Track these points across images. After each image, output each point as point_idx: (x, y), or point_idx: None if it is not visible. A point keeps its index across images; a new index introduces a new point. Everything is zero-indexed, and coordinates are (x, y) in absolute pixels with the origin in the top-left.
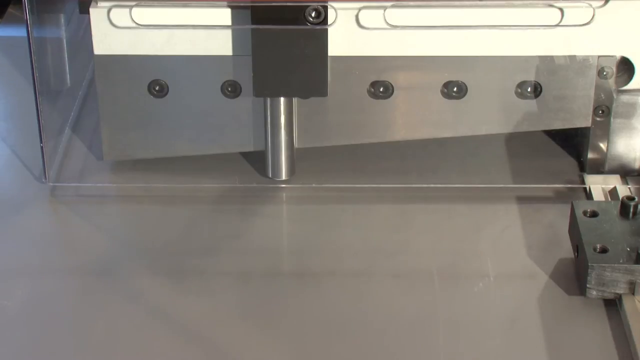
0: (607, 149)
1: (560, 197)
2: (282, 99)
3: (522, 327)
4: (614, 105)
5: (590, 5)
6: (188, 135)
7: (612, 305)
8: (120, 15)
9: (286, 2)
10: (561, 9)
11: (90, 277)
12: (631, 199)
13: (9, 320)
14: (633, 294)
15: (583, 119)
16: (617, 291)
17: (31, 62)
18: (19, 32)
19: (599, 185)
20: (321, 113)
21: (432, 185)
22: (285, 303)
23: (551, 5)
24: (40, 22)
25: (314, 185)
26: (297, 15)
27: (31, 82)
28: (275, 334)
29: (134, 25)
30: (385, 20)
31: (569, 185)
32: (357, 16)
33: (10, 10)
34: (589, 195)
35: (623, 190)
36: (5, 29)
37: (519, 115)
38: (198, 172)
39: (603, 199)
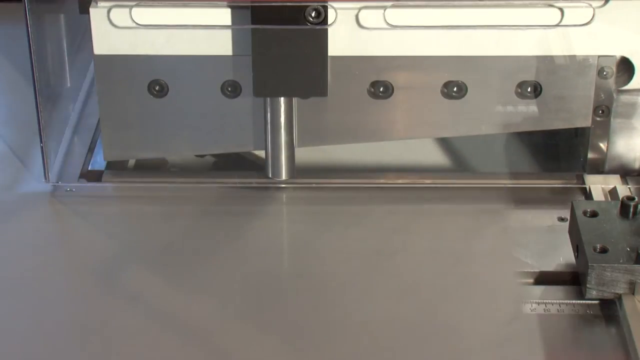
0: (607, 149)
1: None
2: (282, 98)
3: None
4: (614, 105)
5: (590, 5)
6: (188, 135)
7: (613, 305)
8: (120, 15)
9: (286, 1)
10: (561, 9)
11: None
12: (631, 199)
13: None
14: (633, 294)
15: (583, 119)
16: (617, 291)
17: (31, 62)
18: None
19: (599, 185)
20: (321, 113)
21: (432, 185)
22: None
23: (551, 5)
24: (40, 22)
25: (313, 185)
26: (297, 15)
27: (31, 82)
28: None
29: (134, 25)
30: (385, 20)
31: (569, 185)
32: (357, 16)
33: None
34: (589, 195)
35: (623, 190)
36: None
37: (518, 115)
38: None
39: (603, 199)
